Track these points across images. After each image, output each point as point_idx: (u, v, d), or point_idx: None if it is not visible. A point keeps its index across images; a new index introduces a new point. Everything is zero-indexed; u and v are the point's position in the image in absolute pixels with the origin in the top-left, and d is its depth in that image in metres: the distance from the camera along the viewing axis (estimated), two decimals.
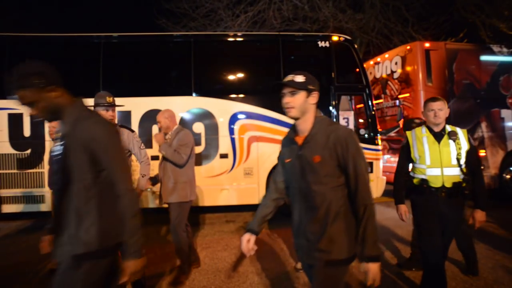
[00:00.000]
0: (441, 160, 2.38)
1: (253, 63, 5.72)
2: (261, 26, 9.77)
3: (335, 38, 5.63)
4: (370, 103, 5.54)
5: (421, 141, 2.48)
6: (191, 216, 5.68)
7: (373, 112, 5.56)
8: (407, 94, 6.28)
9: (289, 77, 1.57)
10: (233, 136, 5.32)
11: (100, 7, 15.51)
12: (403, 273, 3.24)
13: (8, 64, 5.10)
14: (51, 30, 6.71)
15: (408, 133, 2.60)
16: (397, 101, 6.27)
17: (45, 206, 5.08)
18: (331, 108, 5.47)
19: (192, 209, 5.54)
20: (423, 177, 2.43)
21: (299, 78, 1.55)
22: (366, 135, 5.53)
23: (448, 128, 2.48)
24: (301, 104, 1.55)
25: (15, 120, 5.01)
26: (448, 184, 2.35)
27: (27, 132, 4.99)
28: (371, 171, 5.46)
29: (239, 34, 6.21)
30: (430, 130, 2.49)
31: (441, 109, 2.42)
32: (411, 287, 3.00)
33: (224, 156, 5.30)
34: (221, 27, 9.90)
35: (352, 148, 1.49)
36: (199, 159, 5.27)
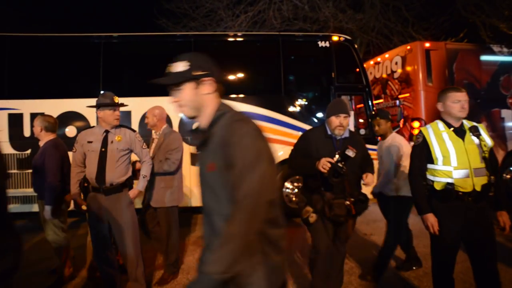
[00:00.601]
0: (469, 160, 2.05)
1: (253, 63, 5.72)
2: (261, 26, 9.77)
3: (335, 38, 5.63)
4: (370, 103, 5.53)
5: (441, 138, 2.13)
6: (191, 217, 5.70)
7: (373, 112, 5.56)
8: (407, 94, 6.27)
9: (168, 68, 1.23)
10: None
11: (100, 7, 15.52)
12: (403, 275, 3.24)
13: (8, 64, 5.10)
14: (51, 30, 6.71)
15: (423, 129, 2.25)
16: (397, 101, 6.27)
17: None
18: None
19: (193, 209, 5.57)
20: (449, 180, 2.08)
21: (179, 66, 1.20)
22: (366, 135, 5.53)
23: (466, 123, 2.18)
24: (192, 99, 1.19)
25: (15, 120, 5.01)
26: (478, 188, 2.04)
27: (27, 132, 4.99)
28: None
29: (239, 34, 6.21)
30: (448, 125, 2.16)
31: (467, 101, 2.12)
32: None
33: None
34: (221, 27, 9.90)
35: (244, 155, 1.05)
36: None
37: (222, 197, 1.12)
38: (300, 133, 5.34)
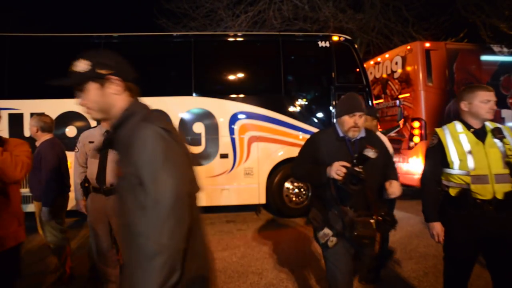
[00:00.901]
0: (489, 165, 1.86)
1: (254, 63, 5.72)
2: (261, 26, 9.77)
3: (335, 38, 5.63)
4: (370, 103, 5.53)
5: (458, 140, 1.96)
6: None
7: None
8: (408, 94, 6.27)
9: (70, 68, 1.14)
10: (233, 136, 5.32)
11: (100, 7, 15.52)
12: (403, 275, 3.24)
13: (8, 64, 5.10)
14: (51, 30, 6.71)
15: (438, 130, 2.06)
16: (398, 101, 6.27)
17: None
18: (331, 108, 5.47)
19: None
20: (465, 186, 1.90)
21: (81, 66, 1.10)
22: None
23: (489, 124, 1.99)
24: (97, 100, 1.12)
25: (15, 120, 5.01)
26: (499, 195, 1.84)
27: (27, 132, 4.99)
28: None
29: (239, 34, 6.21)
30: (468, 127, 1.98)
31: (495, 101, 1.95)
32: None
33: (224, 156, 5.30)
34: (221, 27, 9.91)
35: (148, 159, 0.98)
36: (200, 159, 5.27)
37: (130, 205, 1.03)
38: (300, 133, 5.37)
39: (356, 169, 1.74)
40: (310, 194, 5.45)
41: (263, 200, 5.35)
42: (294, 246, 4.11)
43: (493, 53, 6.62)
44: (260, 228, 4.90)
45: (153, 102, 4.89)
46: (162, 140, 1.01)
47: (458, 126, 2.01)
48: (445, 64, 6.19)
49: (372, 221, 1.80)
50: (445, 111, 5.95)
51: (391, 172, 2.03)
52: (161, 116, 1.13)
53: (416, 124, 5.95)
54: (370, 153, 1.75)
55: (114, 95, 1.14)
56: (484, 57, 6.51)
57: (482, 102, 1.93)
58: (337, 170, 1.77)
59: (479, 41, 7.68)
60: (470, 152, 1.90)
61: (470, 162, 1.89)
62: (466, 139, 1.94)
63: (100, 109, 1.13)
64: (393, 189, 1.86)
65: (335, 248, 1.92)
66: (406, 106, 6.27)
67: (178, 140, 1.08)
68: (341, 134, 2.01)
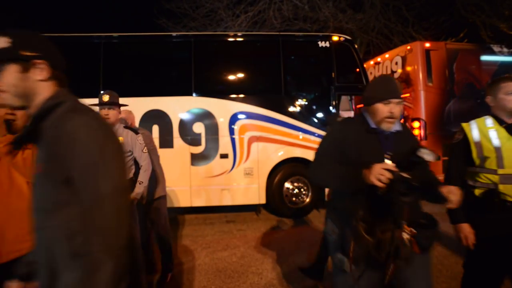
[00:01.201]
0: None
1: (253, 63, 5.72)
2: (261, 26, 9.78)
3: (335, 38, 5.63)
4: None
5: (486, 136, 1.80)
6: (191, 217, 5.71)
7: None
8: (408, 94, 6.27)
9: None
10: (233, 136, 5.32)
11: (100, 7, 15.53)
12: None
13: None
14: (51, 30, 6.69)
15: (465, 125, 1.91)
16: None
17: None
18: (331, 108, 5.47)
19: (193, 209, 5.58)
20: (492, 186, 1.74)
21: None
22: None
23: None
24: (15, 84, 0.96)
25: None
26: None
27: None
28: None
29: (239, 34, 6.20)
30: (500, 122, 1.81)
31: None
32: None
33: (224, 156, 5.30)
34: (221, 27, 9.92)
35: (82, 151, 0.88)
36: (200, 159, 5.27)
37: (47, 208, 0.94)
38: (300, 133, 5.37)
39: (403, 175, 1.33)
40: (310, 194, 5.45)
41: (263, 200, 5.35)
42: (294, 246, 4.11)
43: (493, 53, 6.62)
44: (260, 228, 4.90)
45: (153, 102, 4.92)
46: (96, 132, 0.92)
47: (489, 120, 1.85)
48: (445, 64, 6.19)
49: (405, 235, 1.40)
50: (445, 111, 5.96)
51: (432, 174, 1.67)
52: (90, 108, 1.03)
53: (416, 124, 5.95)
54: (430, 156, 1.34)
55: (38, 82, 0.99)
56: (484, 57, 6.51)
57: (507, 94, 1.77)
58: (379, 174, 1.33)
59: (479, 41, 7.68)
60: (499, 148, 1.73)
61: (499, 160, 1.72)
62: (496, 135, 1.77)
63: (18, 94, 0.97)
64: (456, 197, 1.41)
65: (347, 278, 1.53)
66: (406, 106, 6.26)
67: (111, 132, 0.99)
68: (372, 125, 1.63)
